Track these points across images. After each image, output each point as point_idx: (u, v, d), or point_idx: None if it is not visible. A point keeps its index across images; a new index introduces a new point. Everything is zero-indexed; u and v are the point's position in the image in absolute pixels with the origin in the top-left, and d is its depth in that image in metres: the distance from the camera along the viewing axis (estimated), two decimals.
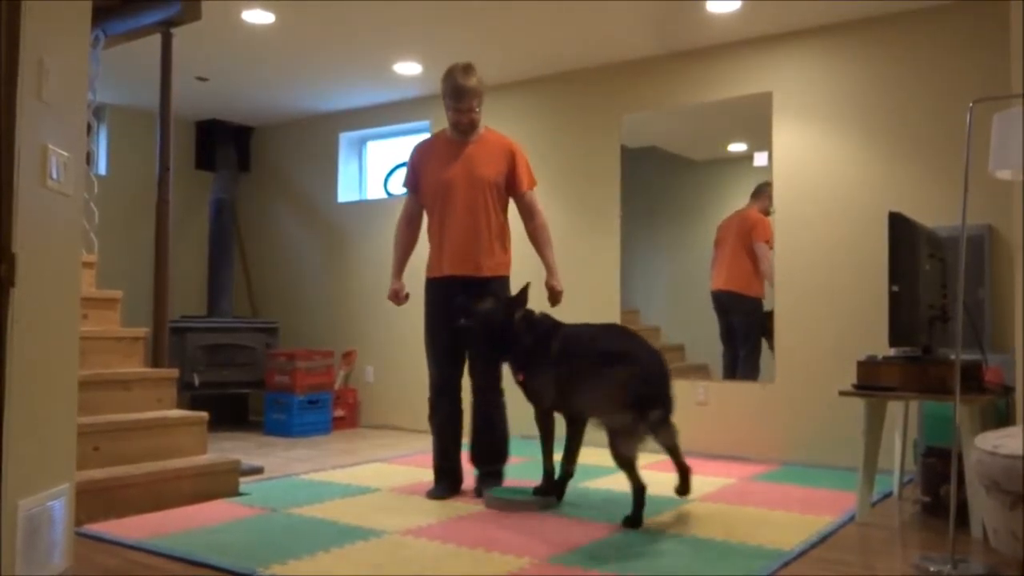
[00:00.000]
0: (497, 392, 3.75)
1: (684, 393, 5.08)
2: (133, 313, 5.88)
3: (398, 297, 3.84)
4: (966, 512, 3.12)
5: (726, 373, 4.92)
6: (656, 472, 4.38)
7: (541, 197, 5.65)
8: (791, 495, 3.81)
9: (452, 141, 3.76)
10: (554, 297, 3.83)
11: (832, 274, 4.66)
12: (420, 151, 3.84)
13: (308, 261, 6.89)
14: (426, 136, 3.90)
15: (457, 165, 3.70)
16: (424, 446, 5.22)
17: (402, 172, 4.00)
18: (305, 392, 5.96)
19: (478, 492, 3.70)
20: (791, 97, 4.83)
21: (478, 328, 3.56)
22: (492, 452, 3.77)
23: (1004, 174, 2.96)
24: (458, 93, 3.64)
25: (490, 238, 3.71)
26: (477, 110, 3.69)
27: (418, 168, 3.81)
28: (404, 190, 3.91)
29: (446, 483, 3.76)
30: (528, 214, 3.83)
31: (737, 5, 4.43)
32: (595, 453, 4.98)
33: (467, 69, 3.67)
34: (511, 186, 3.78)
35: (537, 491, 3.58)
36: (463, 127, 3.71)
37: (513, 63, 5.45)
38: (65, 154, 2.19)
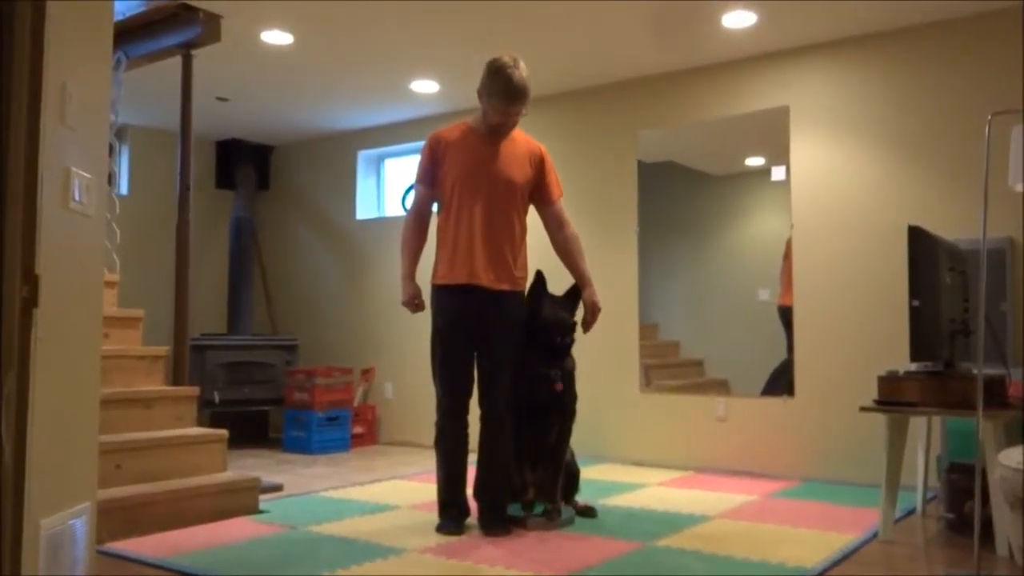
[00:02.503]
0: (509, 423, 3.44)
1: (703, 409, 5.06)
2: (154, 331, 5.93)
3: (415, 302, 3.44)
4: (990, 529, 3.08)
5: (791, 388, 4.80)
6: (675, 489, 4.36)
7: None
8: (813, 512, 3.77)
9: (480, 136, 3.41)
10: (594, 315, 3.51)
11: (852, 288, 4.63)
12: (441, 142, 3.43)
13: (327, 278, 6.93)
14: (447, 126, 3.53)
15: (485, 164, 3.36)
16: None
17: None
18: (324, 409, 5.97)
19: (485, 529, 3.36)
20: (808, 111, 4.82)
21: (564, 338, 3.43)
22: (501, 489, 3.44)
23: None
24: (512, 96, 3.27)
25: (513, 247, 3.41)
26: (524, 112, 3.37)
27: (439, 161, 3.42)
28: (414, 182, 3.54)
29: (455, 515, 3.42)
30: (557, 224, 3.53)
31: (753, 20, 4.44)
32: (613, 470, 4.97)
33: (518, 65, 3.28)
34: (540, 194, 3.50)
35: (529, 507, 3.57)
36: (506, 130, 3.39)
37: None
38: (87, 176, 2.22)
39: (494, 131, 3.41)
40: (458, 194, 3.38)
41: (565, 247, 3.55)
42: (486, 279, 3.36)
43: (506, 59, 3.32)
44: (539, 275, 3.54)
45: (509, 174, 3.40)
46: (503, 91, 3.28)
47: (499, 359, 3.41)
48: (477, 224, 3.35)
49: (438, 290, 3.43)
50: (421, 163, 3.48)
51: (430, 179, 3.46)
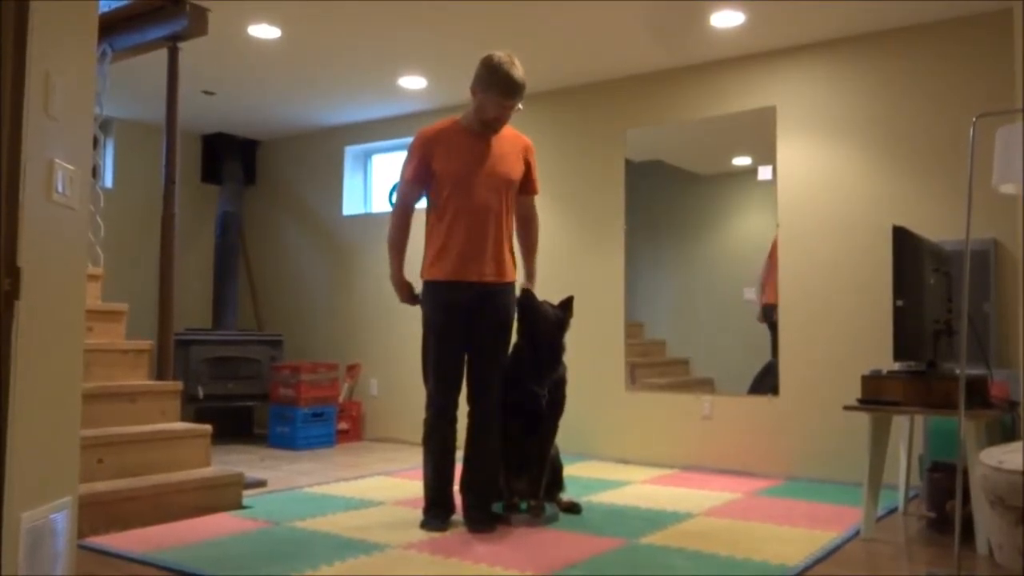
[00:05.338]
0: (499, 421, 3.46)
1: (689, 407, 5.07)
2: (138, 326, 5.89)
3: (415, 299, 3.49)
4: (971, 528, 3.11)
5: (776, 389, 4.84)
6: (660, 487, 4.37)
7: (546, 211, 5.69)
8: (796, 510, 3.79)
9: (472, 133, 3.43)
10: None
11: (836, 288, 4.65)
12: (431, 140, 3.42)
13: (313, 274, 6.91)
14: (432, 124, 3.52)
15: (480, 161, 3.38)
16: None
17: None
18: (309, 405, 5.95)
19: (470, 525, 3.36)
20: (795, 111, 4.83)
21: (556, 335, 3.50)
22: (488, 486, 3.45)
23: (1008, 188, 2.96)
24: (512, 89, 3.31)
25: (508, 240, 3.48)
26: (519, 108, 3.42)
27: (430, 158, 3.40)
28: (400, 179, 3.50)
29: (441, 513, 3.42)
30: (528, 218, 3.64)
31: (741, 19, 4.45)
32: (598, 468, 4.97)
33: (514, 61, 3.33)
34: (523, 188, 3.56)
35: (514, 508, 3.58)
36: (499, 125, 3.42)
37: None
38: (71, 168, 2.20)
39: (488, 126, 3.42)
40: (455, 191, 3.37)
41: (529, 239, 3.68)
42: (486, 274, 3.38)
43: (502, 55, 3.35)
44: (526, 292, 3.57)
45: (504, 170, 3.43)
46: (502, 85, 3.30)
47: (493, 355, 3.43)
48: (476, 220, 3.36)
49: (434, 285, 3.40)
50: (411, 162, 3.45)
51: (421, 178, 3.44)
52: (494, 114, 3.37)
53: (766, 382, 4.83)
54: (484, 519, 3.37)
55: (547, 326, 3.47)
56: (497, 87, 3.31)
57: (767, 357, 4.85)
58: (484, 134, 3.44)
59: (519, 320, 3.50)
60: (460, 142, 3.41)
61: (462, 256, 3.36)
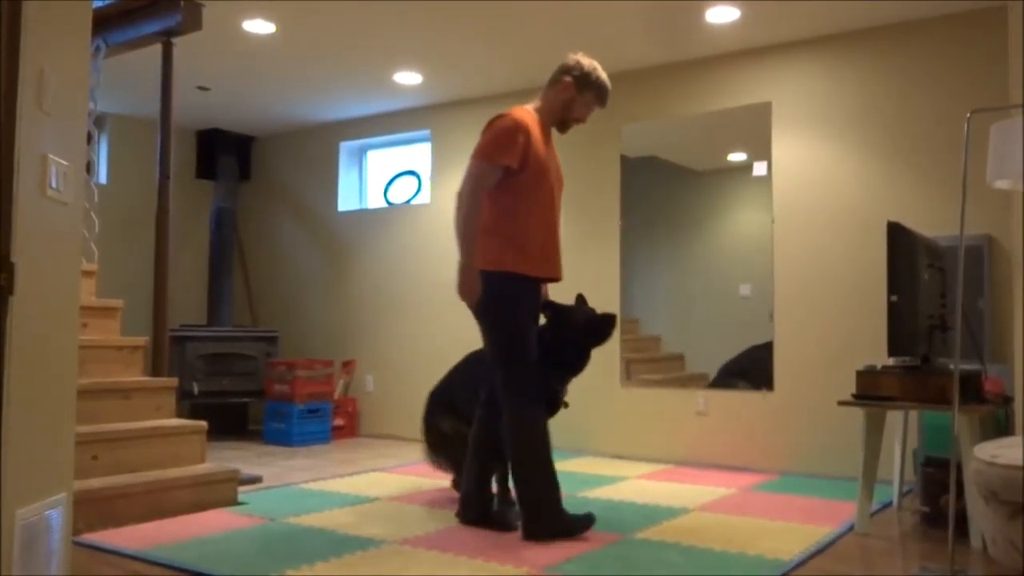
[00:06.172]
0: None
1: (683, 403, 5.08)
2: (133, 322, 5.89)
3: (476, 293, 3.15)
4: (965, 522, 3.12)
5: (769, 380, 4.85)
6: (655, 482, 4.38)
7: None
8: (790, 505, 3.80)
9: (546, 129, 3.36)
10: None
11: (831, 283, 4.66)
12: (528, 129, 3.19)
13: (308, 270, 6.90)
14: (518, 108, 3.29)
15: (553, 157, 3.36)
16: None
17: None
18: (305, 401, 5.95)
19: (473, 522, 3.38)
20: (790, 107, 4.84)
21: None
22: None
23: (1002, 184, 2.97)
24: (606, 97, 3.36)
25: None
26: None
27: (528, 146, 3.17)
28: (485, 162, 3.15)
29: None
30: None
31: (736, 15, 4.45)
32: (593, 463, 4.98)
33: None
34: None
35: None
36: (573, 125, 3.40)
37: (513, 73, 5.46)
38: (65, 163, 2.20)
39: (564, 125, 3.39)
40: (542, 185, 3.23)
41: None
42: (556, 272, 3.32)
43: (591, 60, 3.32)
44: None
45: (560, 170, 3.44)
46: (601, 90, 3.33)
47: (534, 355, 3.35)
48: (554, 216, 3.31)
49: (521, 280, 3.19)
50: (511, 147, 3.14)
51: (518, 163, 3.16)
52: (579, 114, 3.35)
53: (753, 363, 4.81)
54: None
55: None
56: (595, 91, 3.32)
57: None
58: (550, 132, 3.40)
59: (566, 324, 3.36)
60: (542, 136, 3.30)
61: (551, 253, 3.28)
